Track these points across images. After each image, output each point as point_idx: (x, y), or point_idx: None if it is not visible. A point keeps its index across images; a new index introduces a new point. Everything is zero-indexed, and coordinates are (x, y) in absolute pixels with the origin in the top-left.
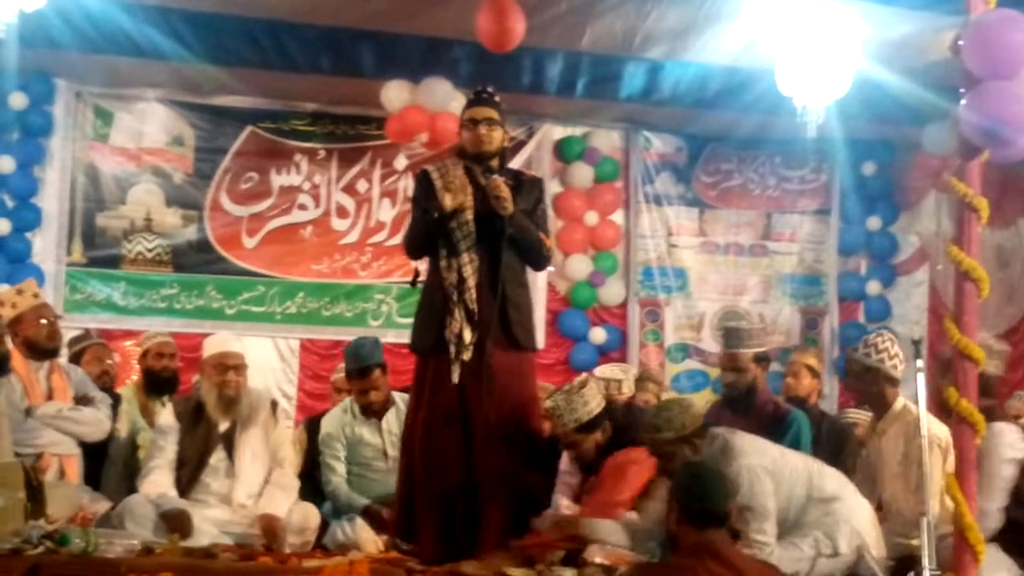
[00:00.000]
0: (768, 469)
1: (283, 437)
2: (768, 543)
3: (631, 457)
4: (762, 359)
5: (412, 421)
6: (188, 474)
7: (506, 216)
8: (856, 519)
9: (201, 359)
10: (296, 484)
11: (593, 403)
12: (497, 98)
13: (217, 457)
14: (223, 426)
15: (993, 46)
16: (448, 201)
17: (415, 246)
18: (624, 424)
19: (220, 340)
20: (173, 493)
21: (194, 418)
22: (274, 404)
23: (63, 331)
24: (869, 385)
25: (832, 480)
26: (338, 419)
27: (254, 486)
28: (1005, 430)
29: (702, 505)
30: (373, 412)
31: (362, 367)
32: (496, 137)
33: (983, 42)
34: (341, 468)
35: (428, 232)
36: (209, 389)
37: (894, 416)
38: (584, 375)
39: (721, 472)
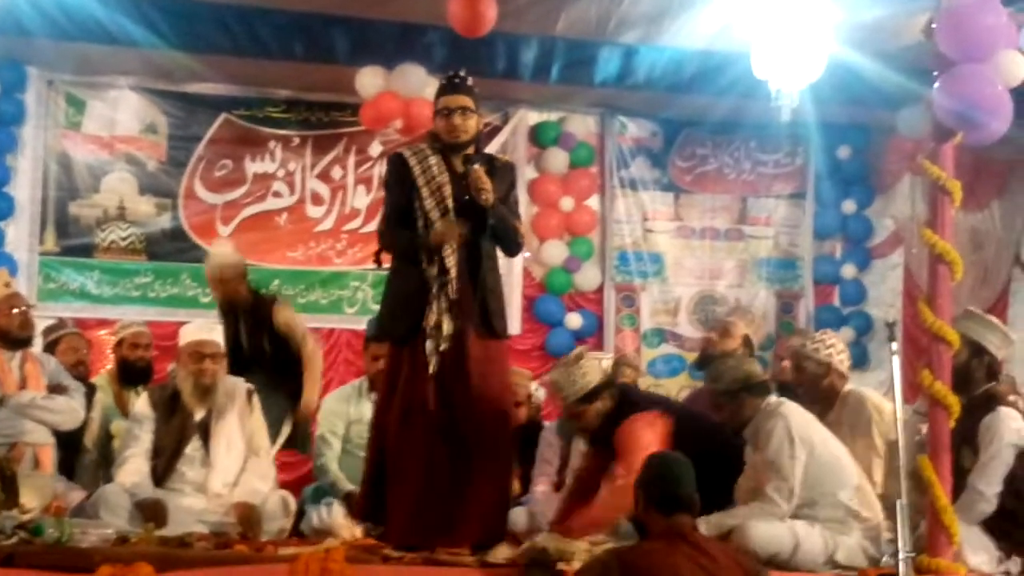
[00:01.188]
0: (805, 440)
1: (259, 425)
2: (778, 503)
3: (638, 422)
4: (748, 343)
5: (385, 407)
6: (164, 463)
7: (488, 207)
8: (869, 541)
9: (177, 347)
10: (273, 472)
11: (592, 374)
12: (470, 82)
13: (193, 446)
14: (199, 415)
15: (966, 29)
16: (439, 237)
17: (392, 253)
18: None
19: (196, 329)
20: (148, 482)
21: (169, 407)
22: (250, 392)
23: (36, 320)
24: (821, 379)
25: (871, 500)
26: (345, 395)
27: (230, 475)
28: (1011, 415)
29: (669, 491)
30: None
31: (379, 332)
32: (471, 126)
33: (956, 25)
34: (337, 445)
35: (408, 250)
36: (185, 377)
37: (840, 405)
38: (579, 348)
39: (687, 460)
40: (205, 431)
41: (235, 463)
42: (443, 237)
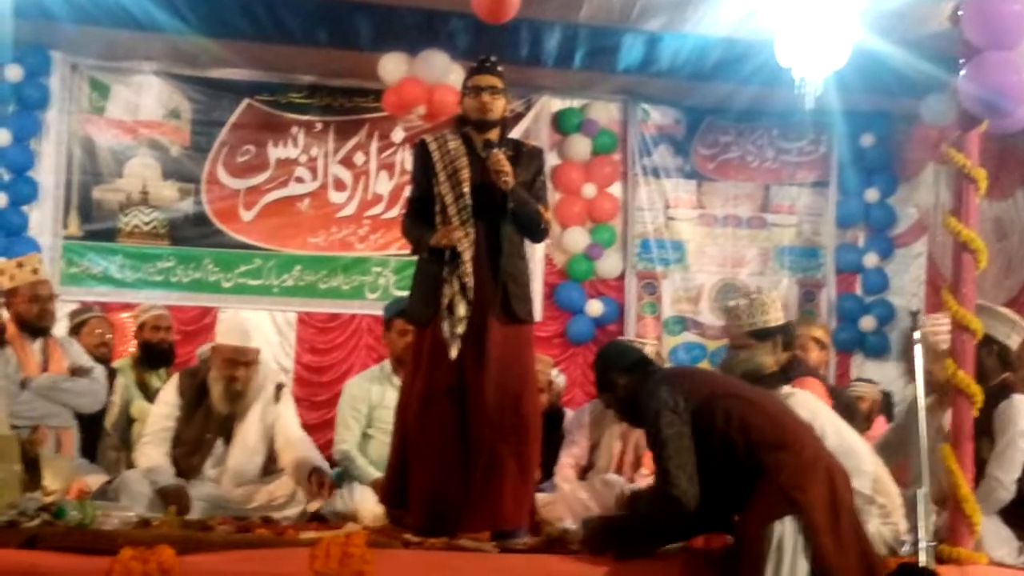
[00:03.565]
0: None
1: (282, 411)
2: None
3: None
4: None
5: (408, 390)
6: (184, 455)
7: (507, 191)
8: (886, 528)
9: (215, 340)
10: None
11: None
12: (500, 67)
13: (215, 440)
14: (223, 412)
15: (992, 16)
16: (437, 241)
17: (411, 247)
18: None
19: (237, 331)
20: (168, 468)
21: (196, 397)
22: (279, 387)
23: (58, 308)
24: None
25: (888, 488)
26: (367, 378)
27: (243, 477)
28: None
29: (639, 356)
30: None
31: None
32: (499, 106)
33: (982, 12)
34: (357, 430)
35: (415, 247)
36: (217, 379)
37: None
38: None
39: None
40: (227, 431)
41: (249, 462)
42: (440, 243)
